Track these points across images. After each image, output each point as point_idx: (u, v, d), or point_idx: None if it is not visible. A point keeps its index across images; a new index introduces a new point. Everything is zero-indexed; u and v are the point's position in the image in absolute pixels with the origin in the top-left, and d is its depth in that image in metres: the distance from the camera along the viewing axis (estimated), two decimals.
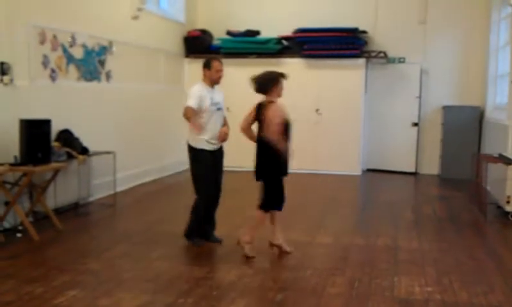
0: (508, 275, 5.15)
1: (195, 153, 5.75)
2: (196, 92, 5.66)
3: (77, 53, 7.77)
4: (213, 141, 5.75)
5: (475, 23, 11.14)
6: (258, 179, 5.51)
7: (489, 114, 10.57)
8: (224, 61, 11.27)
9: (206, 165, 5.74)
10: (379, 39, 11.52)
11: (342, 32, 10.95)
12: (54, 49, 7.24)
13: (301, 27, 11.22)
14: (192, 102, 5.59)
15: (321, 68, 11.27)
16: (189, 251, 5.74)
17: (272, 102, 5.46)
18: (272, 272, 5.13)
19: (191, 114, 5.55)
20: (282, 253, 5.63)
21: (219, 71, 5.80)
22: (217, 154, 5.87)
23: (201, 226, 5.90)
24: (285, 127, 5.42)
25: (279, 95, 5.53)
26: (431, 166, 11.56)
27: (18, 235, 6.12)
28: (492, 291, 4.68)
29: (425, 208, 8.22)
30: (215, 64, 5.79)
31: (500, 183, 7.56)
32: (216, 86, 5.87)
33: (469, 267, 5.38)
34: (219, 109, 5.82)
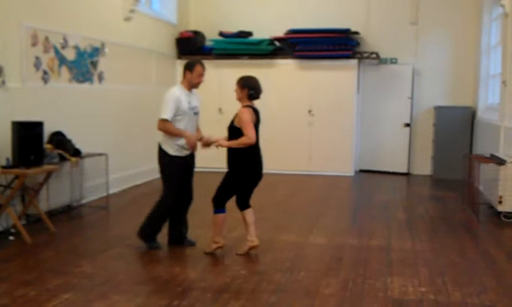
0: (501, 275, 5.18)
1: (168, 159, 5.66)
2: (171, 99, 5.51)
3: (69, 54, 7.75)
4: (187, 147, 5.66)
5: (467, 24, 11.21)
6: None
7: (481, 114, 10.63)
8: (217, 62, 11.40)
9: (179, 171, 5.69)
10: (371, 40, 11.56)
11: (334, 33, 10.97)
12: (46, 51, 7.21)
13: (293, 28, 11.24)
14: (168, 115, 5.48)
15: (313, 69, 11.29)
16: (182, 253, 5.73)
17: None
18: (265, 274, 5.12)
19: (172, 129, 5.52)
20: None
21: (201, 76, 5.66)
22: (189, 159, 5.79)
23: (160, 228, 5.86)
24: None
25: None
26: (423, 167, 11.61)
27: (11, 238, 6.09)
28: (485, 291, 4.71)
29: (417, 208, 8.25)
30: (198, 68, 5.62)
31: (492, 183, 7.60)
32: (194, 89, 5.76)
33: (462, 267, 5.41)
34: (196, 113, 5.74)
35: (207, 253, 5.65)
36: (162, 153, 5.70)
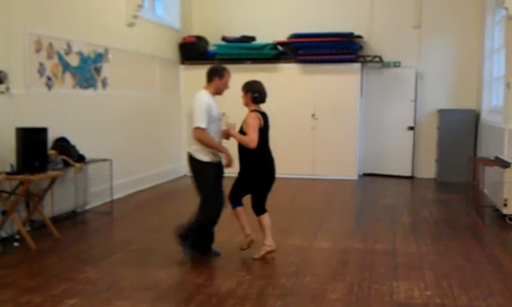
0: (507, 279, 5.16)
1: (201, 166, 5.47)
2: (203, 106, 5.34)
3: (73, 61, 7.76)
4: (225, 164, 5.59)
5: (470, 27, 11.20)
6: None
7: (485, 117, 10.60)
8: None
9: (213, 177, 5.54)
10: (375, 43, 11.55)
11: (337, 37, 10.97)
12: (49, 57, 7.23)
13: (296, 33, 11.24)
14: (204, 123, 5.31)
15: (317, 73, 11.29)
16: (187, 259, 5.70)
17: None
18: (271, 279, 5.11)
19: (210, 140, 5.38)
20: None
21: (227, 83, 5.62)
22: (219, 166, 5.65)
23: (199, 238, 5.72)
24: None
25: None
26: (428, 170, 11.59)
27: (16, 244, 6.08)
28: (491, 295, 4.69)
29: (422, 211, 8.23)
30: (227, 74, 5.57)
31: (497, 186, 7.58)
32: None
33: (468, 271, 5.38)
34: (220, 119, 5.66)
35: (255, 258, 5.66)
36: (194, 162, 5.51)
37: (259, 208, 5.69)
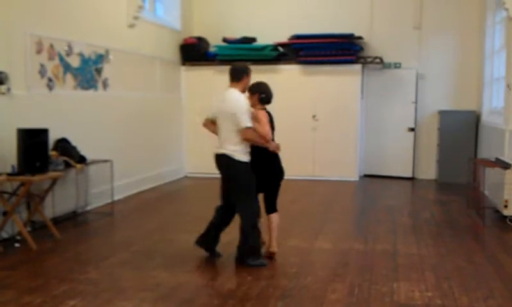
0: (508, 280, 5.16)
1: (242, 167, 5.44)
2: (246, 106, 5.40)
3: (74, 62, 7.77)
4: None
5: (470, 28, 11.21)
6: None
7: (485, 118, 10.60)
8: (221, 68, 11.41)
9: (253, 176, 5.50)
10: (375, 44, 11.55)
11: (337, 38, 10.98)
12: (50, 58, 7.24)
13: (297, 34, 11.25)
14: (250, 122, 5.35)
15: (317, 74, 11.30)
16: (188, 260, 5.72)
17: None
18: (272, 279, 5.11)
19: (258, 136, 5.38)
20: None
21: (249, 81, 5.69)
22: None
23: (260, 243, 5.61)
24: None
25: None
26: (428, 171, 11.59)
27: (17, 244, 6.10)
28: (492, 296, 4.69)
29: (423, 212, 8.23)
30: (250, 73, 5.65)
31: (498, 187, 7.58)
32: None
33: (468, 272, 5.38)
34: None
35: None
36: (234, 163, 5.44)
37: (269, 207, 5.74)
